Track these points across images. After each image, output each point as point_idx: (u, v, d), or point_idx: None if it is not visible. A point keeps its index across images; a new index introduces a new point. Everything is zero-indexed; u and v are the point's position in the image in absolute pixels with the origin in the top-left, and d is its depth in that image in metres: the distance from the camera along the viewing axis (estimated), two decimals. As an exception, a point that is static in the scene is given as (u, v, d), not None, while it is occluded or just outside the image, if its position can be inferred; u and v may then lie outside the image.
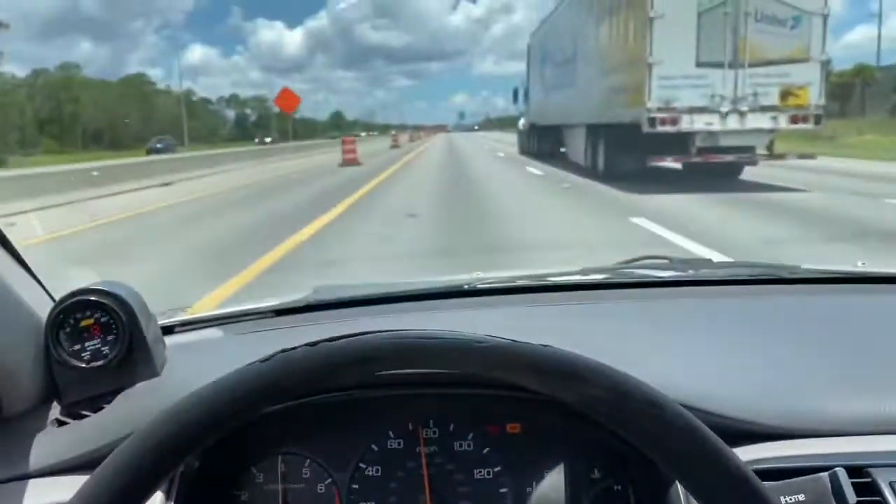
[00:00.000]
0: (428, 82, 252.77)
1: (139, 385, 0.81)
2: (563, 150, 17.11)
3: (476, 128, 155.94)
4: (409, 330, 0.55)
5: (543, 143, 19.23)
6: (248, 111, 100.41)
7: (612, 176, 10.98)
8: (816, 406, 0.72)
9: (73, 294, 0.80)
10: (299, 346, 0.54)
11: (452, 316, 1.08)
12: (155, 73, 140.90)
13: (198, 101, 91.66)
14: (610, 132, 11.26)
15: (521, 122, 24.29)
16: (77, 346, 0.79)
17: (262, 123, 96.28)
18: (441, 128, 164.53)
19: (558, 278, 1.27)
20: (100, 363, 0.79)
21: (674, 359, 0.84)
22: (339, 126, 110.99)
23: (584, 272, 1.28)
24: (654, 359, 0.82)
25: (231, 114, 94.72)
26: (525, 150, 22.78)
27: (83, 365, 0.79)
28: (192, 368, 0.84)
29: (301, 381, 0.54)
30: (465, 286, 1.19)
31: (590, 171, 12.36)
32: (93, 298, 0.80)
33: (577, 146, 14.02)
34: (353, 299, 1.19)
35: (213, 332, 1.06)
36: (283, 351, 0.54)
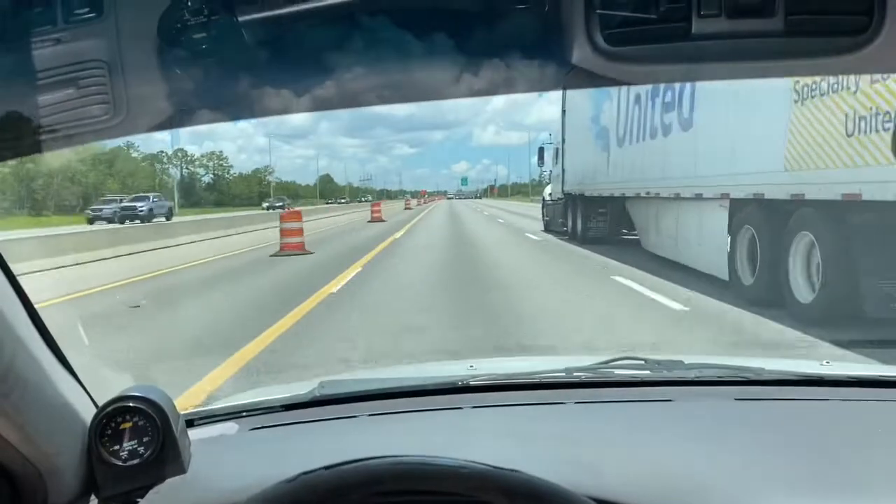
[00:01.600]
0: (429, 150, 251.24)
1: (168, 481, 0.89)
2: (628, 234, 12.15)
3: (478, 196, 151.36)
4: (407, 456, 0.71)
5: (592, 221, 13.51)
6: (200, 171, 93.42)
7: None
8: None
9: (115, 401, 0.88)
10: (318, 469, 0.69)
11: (447, 416, 1.21)
12: (161, 136, 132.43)
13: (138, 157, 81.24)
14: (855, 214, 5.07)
15: (549, 190, 18.87)
16: (116, 447, 0.87)
17: (220, 187, 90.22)
18: (440, 194, 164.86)
19: (544, 376, 1.40)
20: (135, 462, 0.87)
21: (640, 463, 0.94)
22: (327, 192, 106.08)
23: (567, 371, 1.40)
24: (623, 463, 0.93)
25: (175, 173, 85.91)
26: (554, 228, 17.27)
27: (121, 463, 0.87)
28: (214, 465, 0.97)
29: (319, 499, 0.68)
30: (459, 382, 1.34)
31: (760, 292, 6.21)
32: (131, 405, 0.88)
33: (688, 235, 8.30)
34: (355, 395, 1.32)
35: (229, 427, 1.17)
36: (304, 473, 0.69)
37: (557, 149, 16.52)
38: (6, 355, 0.69)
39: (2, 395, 0.70)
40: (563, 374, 1.38)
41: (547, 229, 18.14)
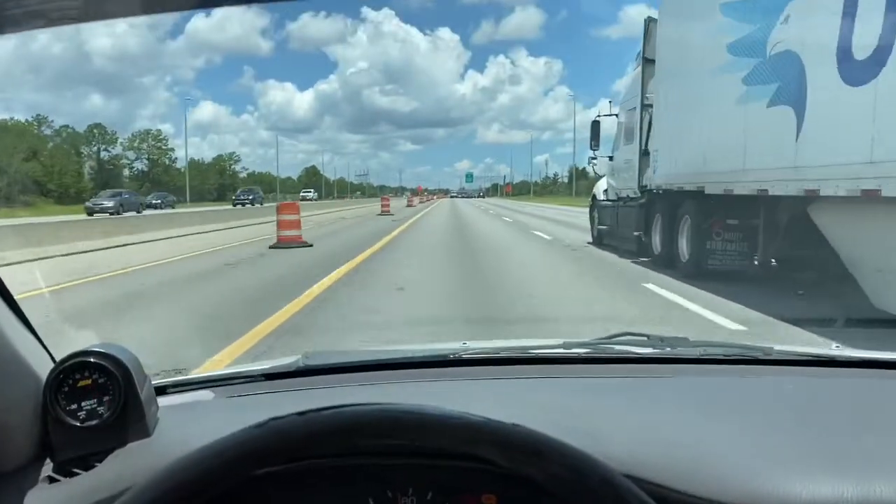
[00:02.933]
0: (432, 147, 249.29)
1: (131, 445, 0.84)
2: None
3: (481, 194, 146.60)
4: (390, 404, 0.62)
5: (717, 239, 7.64)
6: (129, 155, 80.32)
7: None
8: (779, 486, 0.74)
9: (74, 355, 0.83)
10: (290, 415, 0.60)
11: (438, 386, 1.15)
12: (165, 128, 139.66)
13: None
14: None
15: (602, 185, 13.26)
16: (74, 406, 0.83)
17: (158, 176, 77.14)
18: (442, 192, 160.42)
19: (541, 351, 1.36)
20: (94, 422, 0.83)
21: (646, 436, 0.88)
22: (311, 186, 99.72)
23: (566, 346, 1.34)
24: (627, 435, 0.86)
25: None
26: (613, 242, 11.63)
27: (78, 424, 0.82)
28: (182, 430, 0.89)
29: (289, 447, 0.61)
30: (451, 355, 1.27)
31: None
32: (92, 360, 0.83)
33: None
34: (341, 365, 1.27)
35: (204, 394, 1.11)
36: (275, 419, 0.61)
37: (628, 121, 10.88)
38: None
39: None
40: (562, 349, 1.34)
41: (599, 242, 12.57)
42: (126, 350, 0.89)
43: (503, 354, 1.31)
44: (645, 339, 1.40)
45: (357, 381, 1.15)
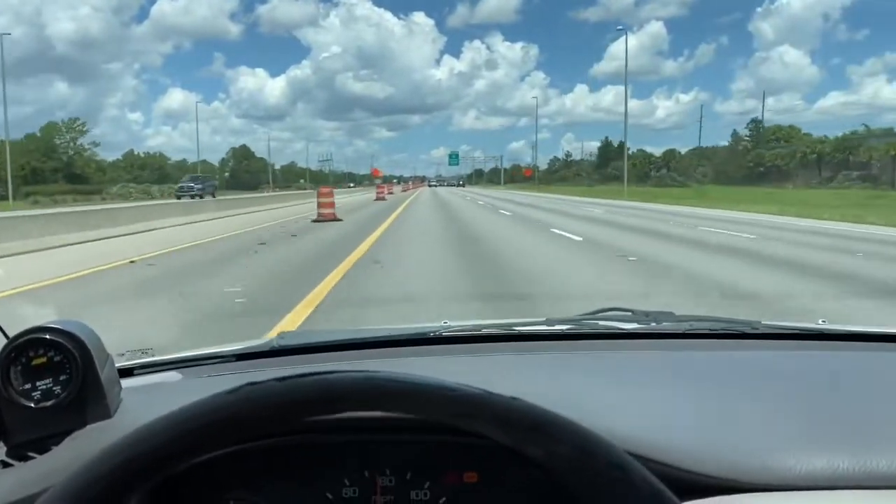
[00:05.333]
0: (408, 134, 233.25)
1: (90, 427, 0.82)
2: None
3: (461, 183, 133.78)
4: (379, 371, 0.58)
5: None
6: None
7: None
8: (771, 460, 0.74)
9: (27, 332, 0.81)
10: (268, 380, 0.56)
11: (417, 363, 1.13)
12: (135, 117, 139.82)
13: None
14: None
15: None
16: (28, 386, 0.80)
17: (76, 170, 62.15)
18: (419, 180, 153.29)
19: (523, 328, 1.35)
20: (50, 403, 0.80)
21: (633, 411, 0.88)
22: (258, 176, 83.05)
23: (548, 322, 1.35)
24: (613, 410, 0.85)
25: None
26: None
27: (32, 405, 0.80)
28: (146, 411, 0.84)
29: (266, 415, 0.56)
30: (431, 333, 1.27)
31: None
32: (47, 337, 0.80)
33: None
34: (317, 345, 1.26)
35: (172, 376, 1.10)
36: (251, 384, 0.56)
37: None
38: None
39: None
40: (544, 325, 1.35)
41: None
42: (86, 326, 0.86)
43: (484, 332, 1.32)
44: (630, 314, 1.41)
45: (333, 360, 1.15)
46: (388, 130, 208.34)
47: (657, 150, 77.78)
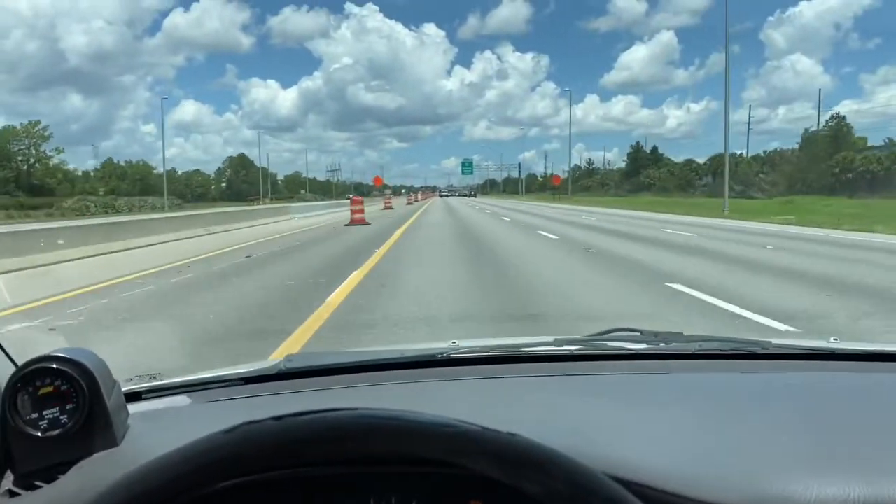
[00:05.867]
0: (419, 144, 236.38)
1: (96, 455, 0.82)
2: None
3: (472, 193, 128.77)
4: (375, 409, 0.58)
5: None
6: None
7: None
8: (784, 487, 0.73)
9: (34, 361, 0.81)
10: (265, 419, 0.56)
11: (425, 387, 1.13)
12: (148, 129, 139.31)
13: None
14: None
15: None
16: (35, 415, 0.80)
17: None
18: (430, 190, 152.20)
19: (531, 349, 1.34)
20: (57, 432, 0.80)
21: (639, 435, 0.87)
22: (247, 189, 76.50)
23: (557, 343, 1.33)
24: (619, 435, 0.84)
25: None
26: None
27: (39, 434, 0.80)
28: (153, 438, 0.86)
29: (263, 455, 0.56)
30: (439, 355, 1.26)
31: None
32: (54, 366, 0.80)
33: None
34: (324, 368, 1.25)
35: (180, 400, 1.09)
36: (249, 423, 0.56)
37: None
38: None
39: None
40: (552, 346, 1.34)
41: None
42: (93, 355, 0.85)
43: (492, 353, 1.31)
44: (638, 334, 1.40)
45: (341, 384, 1.15)
46: (398, 141, 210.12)
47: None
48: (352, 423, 0.56)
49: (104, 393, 0.82)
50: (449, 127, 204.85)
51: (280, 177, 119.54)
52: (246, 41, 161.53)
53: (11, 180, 53.12)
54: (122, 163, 68.88)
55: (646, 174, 68.81)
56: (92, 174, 64.13)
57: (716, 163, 53.63)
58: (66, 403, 0.80)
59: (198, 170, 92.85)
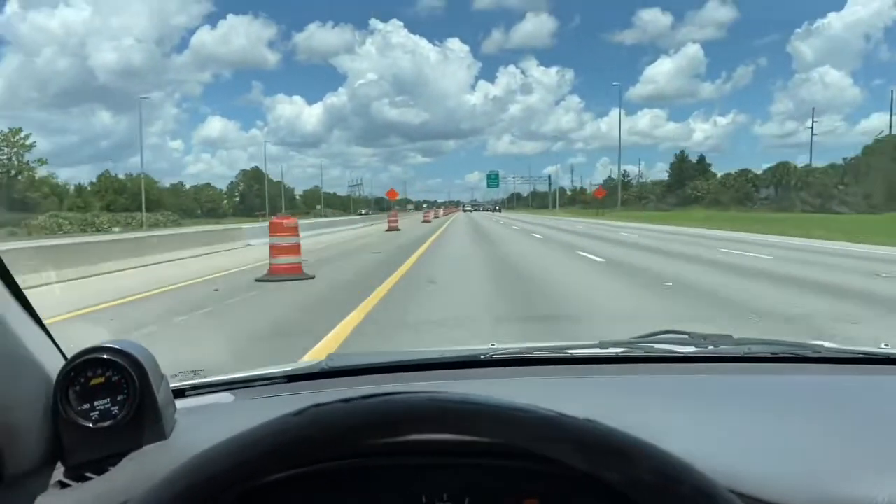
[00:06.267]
0: (443, 159, 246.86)
1: (146, 448, 0.82)
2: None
3: (496, 207, 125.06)
4: (447, 393, 0.56)
5: None
6: None
7: None
8: (848, 491, 0.72)
9: (85, 352, 0.81)
10: (333, 402, 0.55)
11: (467, 386, 1.11)
12: (175, 144, 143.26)
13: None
14: None
15: None
16: (86, 406, 0.80)
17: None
18: (453, 205, 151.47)
19: (576, 351, 1.32)
20: (107, 423, 0.80)
21: (695, 438, 0.85)
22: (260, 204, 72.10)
23: (602, 345, 1.32)
24: (673, 438, 0.80)
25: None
26: None
27: (90, 425, 0.79)
28: (201, 433, 0.86)
29: (332, 438, 0.55)
30: (482, 356, 1.25)
31: None
32: (105, 357, 0.81)
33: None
34: (366, 366, 1.25)
35: (224, 397, 1.10)
36: (317, 405, 0.55)
37: None
38: None
39: None
40: (598, 348, 1.31)
41: None
42: (142, 347, 0.85)
43: (536, 354, 1.29)
44: (686, 336, 1.37)
45: (381, 383, 1.14)
46: (422, 156, 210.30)
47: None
48: (424, 406, 0.55)
49: (153, 385, 0.81)
50: (472, 142, 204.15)
51: (299, 192, 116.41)
52: (272, 57, 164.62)
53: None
54: (122, 176, 65.21)
55: (692, 186, 62.79)
56: (88, 188, 60.45)
57: (780, 171, 47.56)
58: (116, 394, 0.80)
59: (208, 183, 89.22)
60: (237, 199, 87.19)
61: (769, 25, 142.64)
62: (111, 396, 0.80)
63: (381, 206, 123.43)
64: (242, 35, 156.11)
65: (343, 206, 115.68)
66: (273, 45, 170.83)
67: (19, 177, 52.78)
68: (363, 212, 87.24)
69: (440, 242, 19.95)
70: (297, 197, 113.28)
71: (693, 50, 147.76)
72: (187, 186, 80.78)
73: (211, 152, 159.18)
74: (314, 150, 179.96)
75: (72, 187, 59.70)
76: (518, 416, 0.54)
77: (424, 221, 44.09)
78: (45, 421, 0.79)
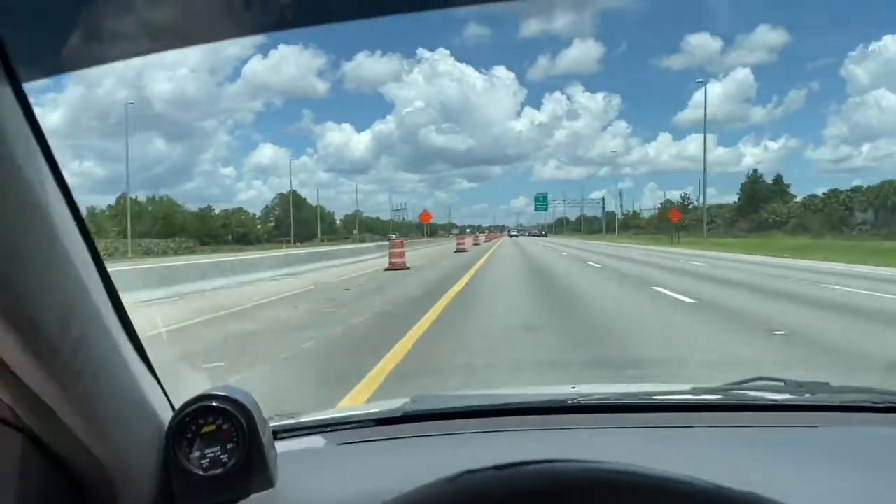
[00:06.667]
0: (488, 185, 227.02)
1: (254, 496, 0.82)
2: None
3: (542, 232, 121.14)
4: (600, 462, 0.56)
5: None
6: None
7: None
8: None
9: (197, 399, 0.81)
10: (486, 469, 0.56)
11: (555, 435, 1.11)
12: (227, 171, 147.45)
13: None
14: None
15: None
16: (197, 453, 0.80)
17: None
18: (499, 230, 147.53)
19: (667, 397, 1.29)
20: (218, 471, 0.80)
21: (793, 493, 0.81)
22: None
23: (694, 392, 1.28)
24: (771, 490, 0.76)
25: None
26: None
27: (201, 472, 0.80)
28: (305, 481, 0.88)
29: None
30: (569, 401, 1.22)
31: None
32: (215, 404, 0.81)
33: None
34: (448, 411, 1.23)
35: (316, 441, 1.12)
36: (469, 472, 0.56)
37: None
38: (76, 327, 0.60)
39: (71, 377, 0.61)
40: (689, 394, 1.28)
41: None
42: (247, 394, 0.85)
43: (626, 401, 1.25)
44: (781, 384, 1.31)
45: (467, 429, 1.14)
46: (468, 181, 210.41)
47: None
48: (576, 477, 0.55)
49: (261, 433, 0.81)
50: (518, 167, 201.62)
51: (340, 216, 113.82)
52: (321, 86, 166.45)
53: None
54: (143, 199, 61.76)
55: (769, 209, 56.06)
56: (106, 212, 57.32)
57: (885, 191, 40.58)
58: (226, 442, 0.80)
59: (240, 208, 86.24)
60: (272, 224, 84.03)
61: (822, 49, 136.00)
62: (221, 444, 0.80)
63: (422, 230, 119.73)
64: (293, 65, 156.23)
65: (384, 230, 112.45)
66: (322, 74, 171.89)
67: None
68: (393, 236, 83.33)
69: (487, 266, 17.32)
70: (339, 221, 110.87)
71: (743, 74, 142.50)
72: (217, 211, 77.95)
73: (262, 179, 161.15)
74: (362, 177, 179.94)
75: (84, 210, 56.88)
76: (675, 489, 0.53)
77: (458, 250, 33.13)
78: (156, 467, 0.78)
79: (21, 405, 0.63)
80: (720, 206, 71.93)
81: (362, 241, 67.28)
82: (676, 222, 52.86)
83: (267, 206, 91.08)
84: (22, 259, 0.54)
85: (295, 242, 63.29)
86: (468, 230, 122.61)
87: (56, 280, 0.58)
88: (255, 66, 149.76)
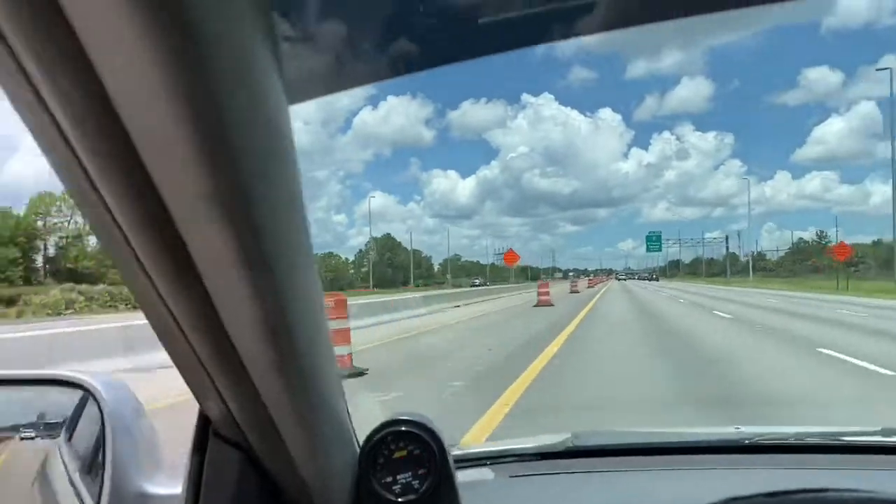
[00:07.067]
0: (593, 227, 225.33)
1: None
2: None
3: (653, 276, 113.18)
4: (874, 492, 0.55)
5: None
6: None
7: None
8: None
9: (388, 424, 0.82)
10: (755, 496, 0.56)
11: (725, 477, 1.08)
12: (339, 219, 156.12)
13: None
14: None
15: None
16: (389, 479, 0.80)
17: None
18: (606, 273, 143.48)
19: (851, 438, 1.22)
20: (410, 498, 0.79)
21: None
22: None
23: (884, 433, 1.23)
24: None
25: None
26: None
27: (393, 498, 0.79)
28: None
29: None
30: (746, 441, 1.20)
31: None
32: (404, 429, 0.81)
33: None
34: (611, 447, 1.26)
35: (484, 473, 1.15)
36: (734, 499, 0.58)
37: None
38: (303, 340, 0.59)
39: (297, 393, 0.61)
40: (878, 436, 1.21)
41: None
42: (431, 420, 0.84)
43: (806, 441, 1.20)
44: None
45: (630, 466, 1.15)
46: (572, 224, 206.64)
47: (866, 239, 48.84)
48: None
49: (450, 459, 0.81)
50: (625, 209, 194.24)
51: (438, 261, 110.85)
52: (428, 135, 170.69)
53: (18, 261, 43.28)
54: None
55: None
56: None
57: None
58: (417, 468, 0.80)
59: (330, 252, 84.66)
60: (364, 269, 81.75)
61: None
62: (412, 470, 0.79)
63: (526, 274, 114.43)
64: (402, 114, 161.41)
65: (482, 273, 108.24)
66: (429, 123, 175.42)
67: (76, 242, 47.53)
68: (477, 282, 77.98)
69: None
70: (437, 266, 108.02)
71: (867, 108, 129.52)
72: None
73: (374, 225, 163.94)
74: (467, 222, 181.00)
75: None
76: None
77: (541, 303, 23.35)
78: (350, 493, 0.79)
79: (250, 422, 0.64)
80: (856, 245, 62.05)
81: (458, 286, 63.31)
82: (845, 261, 40.70)
83: (360, 251, 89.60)
84: (283, 269, 0.52)
85: (373, 288, 59.85)
86: (571, 274, 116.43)
87: (298, 292, 0.55)
88: (365, 116, 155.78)
